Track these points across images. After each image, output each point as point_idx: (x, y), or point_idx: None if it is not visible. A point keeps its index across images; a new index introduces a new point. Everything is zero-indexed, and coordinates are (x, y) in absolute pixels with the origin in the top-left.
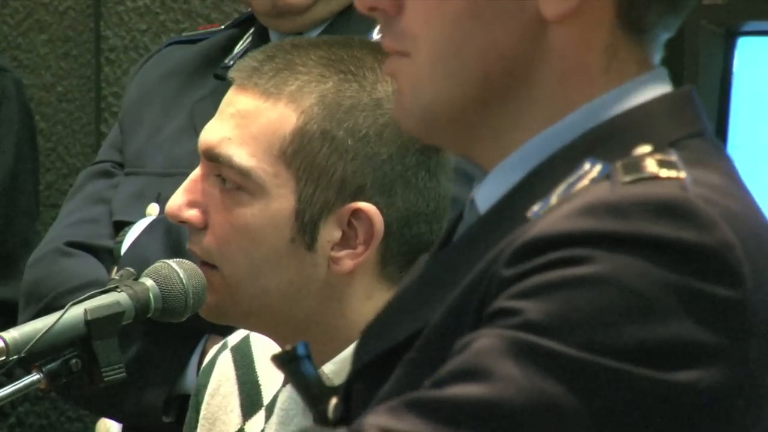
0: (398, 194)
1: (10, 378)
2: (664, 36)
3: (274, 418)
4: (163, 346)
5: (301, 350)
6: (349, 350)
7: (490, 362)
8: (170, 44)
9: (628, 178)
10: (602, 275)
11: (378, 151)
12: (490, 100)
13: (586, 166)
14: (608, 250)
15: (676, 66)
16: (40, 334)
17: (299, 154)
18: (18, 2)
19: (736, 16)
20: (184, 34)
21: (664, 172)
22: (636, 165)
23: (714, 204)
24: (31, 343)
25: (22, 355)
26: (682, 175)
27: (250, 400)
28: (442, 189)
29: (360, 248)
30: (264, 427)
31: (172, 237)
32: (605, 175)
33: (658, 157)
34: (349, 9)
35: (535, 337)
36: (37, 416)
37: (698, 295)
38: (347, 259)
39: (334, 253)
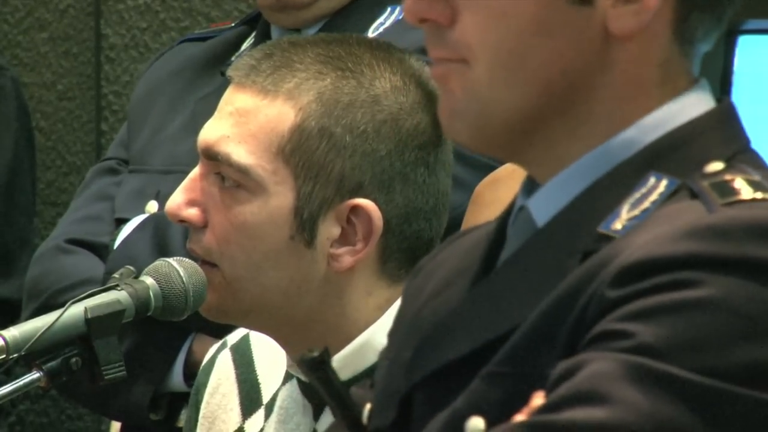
0: (397, 191)
1: (9, 376)
2: (705, 48)
3: (273, 417)
4: (150, 344)
5: (326, 356)
6: (351, 348)
7: (609, 386)
8: (183, 41)
9: (724, 201)
10: (713, 299)
11: (376, 147)
12: (549, 111)
13: (651, 180)
14: (717, 273)
15: None
16: (40, 333)
17: (297, 151)
18: (18, 0)
19: (737, 14)
20: (196, 31)
21: (759, 194)
22: (727, 186)
23: None
24: (31, 342)
25: (22, 353)
26: None
27: (250, 399)
28: (441, 185)
29: (359, 245)
30: (263, 426)
31: (159, 236)
32: (687, 194)
33: (744, 176)
34: (349, 6)
35: (651, 361)
36: (37, 415)
37: None
38: (347, 256)
39: (333, 250)
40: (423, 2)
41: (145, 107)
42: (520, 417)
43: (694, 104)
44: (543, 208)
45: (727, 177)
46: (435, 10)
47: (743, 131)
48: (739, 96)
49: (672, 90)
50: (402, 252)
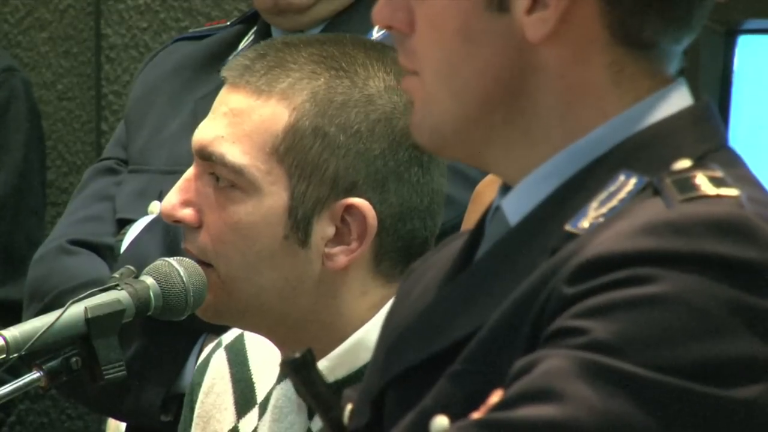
0: (391, 190)
1: (16, 376)
2: (676, 48)
3: (267, 416)
4: (162, 345)
5: (309, 357)
6: (345, 347)
7: (561, 383)
8: (177, 41)
9: (683, 197)
10: (667, 295)
11: (370, 146)
12: (494, 117)
13: (621, 178)
14: (672, 269)
15: None
16: (40, 332)
17: (291, 150)
18: (18, 0)
19: (737, 14)
20: (190, 30)
21: (719, 190)
22: (688, 182)
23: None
24: (32, 341)
25: (23, 353)
26: (736, 192)
27: (244, 398)
28: (435, 184)
29: (354, 244)
30: (257, 425)
31: (170, 236)
32: (651, 191)
33: (708, 173)
34: (350, 8)
35: (604, 357)
36: (37, 414)
37: (762, 313)
38: (341, 255)
39: (327, 250)
40: (387, 9)
41: (143, 107)
42: (476, 415)
43: (667, 103)
44: (515, 207)
45: (691, 174)
46: (396, 17)
47: (719, 129)
48: (739, 96)
49: (632, 90)
50: (397, 251)
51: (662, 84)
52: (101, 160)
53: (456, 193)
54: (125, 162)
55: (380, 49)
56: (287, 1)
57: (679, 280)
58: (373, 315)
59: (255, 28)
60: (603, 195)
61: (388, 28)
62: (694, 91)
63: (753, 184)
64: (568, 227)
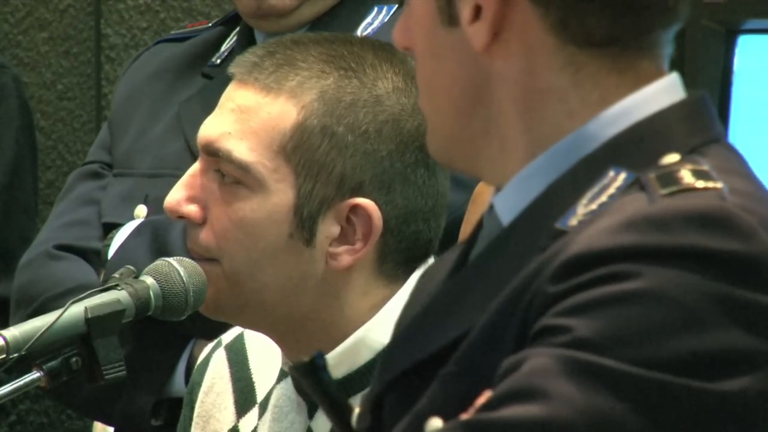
0: (397, 191)
1: (10, 376)
2: (651, 41)
3: (267, 415)
4: (152, 350)
5: (320, 361)
6: (345, 346)
7: (544, 382)
8: (159, 42)
9: (666, 191)
10: (649, 290)
11: (377, 147)
12: (472, 129)
13: (611, 174)
14: (653, 264)
15: (677, 64)
16: (40, 332)
17: (299, 149)
18: (18, 0)
19: (737, 14)
20: (172, 32)
21: (701, 183)
22: (671, 176)
23: (751, 212)
24: (32, 341)
25: (23, 353)
26: (719, 185)
27: (244, 398)
28: (440, 187)
29: (358, 244)
30: (257, 424)
31: (158, 240)
32: (638, 186)
33: (691, 167)
34: (333, 10)
35: (586, 355)
36: (37, 414)
37: (745, 304)
38: (345, 255)
39: (332, 249)
40: (398, 30)
41: (127, 110)
42: (464, 416)
43: (657, 98)
44: (508, 207)
45: (676, 168)
46: (406, 39)
47: (714, 124)
48: (739, 96)
49: (596, 89)
50: (400, 252)
51: (641, 79)
52: (85, 164)
53: (452, 198)
54: (110, 165)
55: (389, 50)
56: (269, 5)
57: (660, 275)
58: (373, 315)
59: (237, 29)
60: (592, 192)
61: (406, 49)
62: (694, 90)
63: (744, 176)
64: (558, 225)
